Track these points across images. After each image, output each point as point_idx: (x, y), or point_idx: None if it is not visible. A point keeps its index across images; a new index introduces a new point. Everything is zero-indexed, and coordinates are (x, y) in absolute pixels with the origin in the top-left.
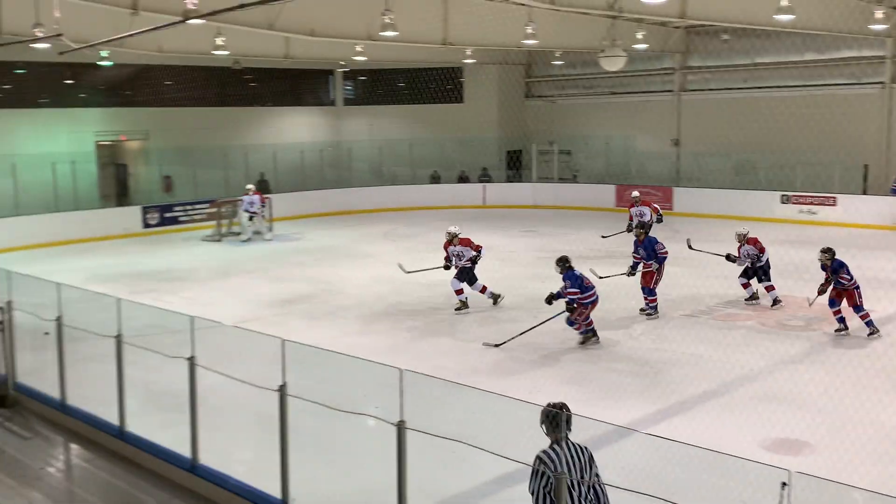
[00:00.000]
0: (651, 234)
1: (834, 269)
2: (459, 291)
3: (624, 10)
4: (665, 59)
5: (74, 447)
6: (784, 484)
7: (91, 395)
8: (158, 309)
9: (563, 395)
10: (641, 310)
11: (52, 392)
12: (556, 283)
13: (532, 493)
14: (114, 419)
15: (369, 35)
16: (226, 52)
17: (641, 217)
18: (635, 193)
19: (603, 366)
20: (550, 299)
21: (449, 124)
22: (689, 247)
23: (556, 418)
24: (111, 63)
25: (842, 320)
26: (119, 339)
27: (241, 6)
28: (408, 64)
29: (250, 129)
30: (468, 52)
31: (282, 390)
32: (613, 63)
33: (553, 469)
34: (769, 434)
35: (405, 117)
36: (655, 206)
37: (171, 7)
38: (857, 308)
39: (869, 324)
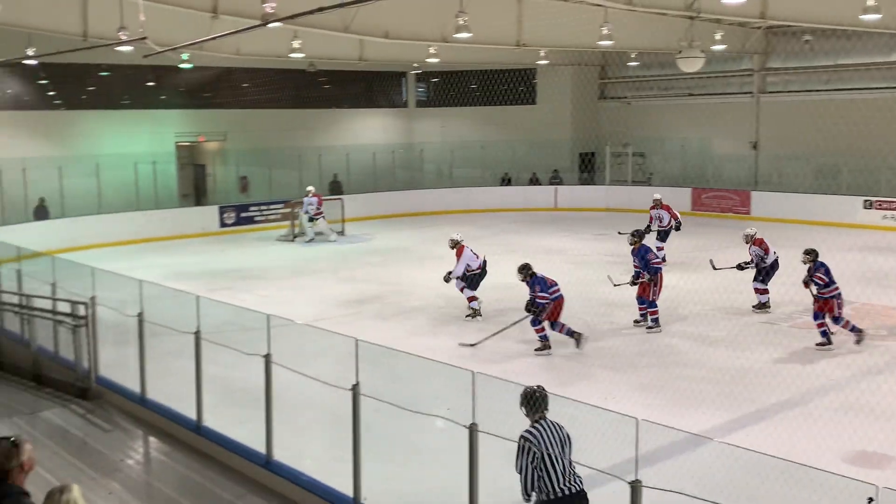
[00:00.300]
0: (669, 240)
1: (815, 269)
2: (472, 298)
3: (702, 10)
4: (744, 60)
5: (153, 440)
6: (871, 500)
7: (169, 389)
8: (235, 307)
9: (636, 400)
10: (636, 321)
11: (133, 386)
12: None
13: (520, 471)
14: (191, 414)
15: (443, 37)
16: (302, 55)
17: (660, 221)
18: (657, 196)
19: (678, 372)
20: (529, 307)
21: (521, 126)
22: (713, 268)
23: (533, 399)
24: (191, 65)
25: (825, 334)
26: (198, 336)
27: (320, 9)
28: (481, 65)
29: (324, 131)
30: (542, 53)
31: (355, 389)
32: (691, 64)
33: (538, 445)
34: (852, 446)
35: (477, 119)
36: (675, 212)
37: (250, 10)
38: (836, 319)
39: (853, 329)
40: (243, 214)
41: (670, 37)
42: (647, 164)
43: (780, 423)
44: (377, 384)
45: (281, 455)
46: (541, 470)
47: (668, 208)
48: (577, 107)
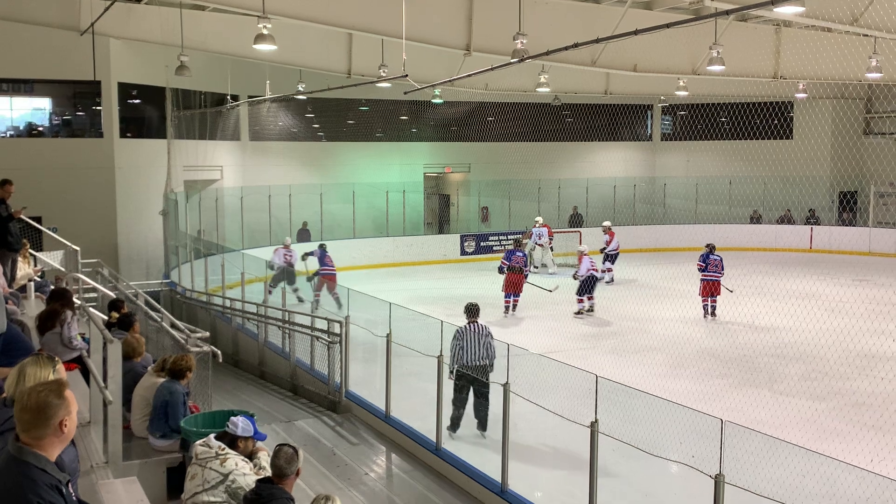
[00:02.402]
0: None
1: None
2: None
3: None
4: None
5: (395, 457)
6: None
7: (410, 408)
8: None
9: None
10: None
11: (378, 402)
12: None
13: (450, 350)
14: (431, 434)
15: (694, 69)
16: (548, 89)
17: (608, 245)
18: (606, 223)
19: None
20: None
21: (774, 161)
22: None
23: (469, 310)
24: (442, 101)
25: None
26: (440, 360)
27: (575, 45)
28: (732, 98)
29: (564, 163)
30: (801, 85)
31: (593, 426)
32: None
33: (461, 337)
34: None
35: (726, 153)
36: (617, 242)
37: (501, 48)
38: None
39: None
40: (483, 243)
41: None
42: None
43: None
44: (613, 423)
45: (513, 484)
46: (462, 350)
47: (612, 234)
48: (838, 142)
